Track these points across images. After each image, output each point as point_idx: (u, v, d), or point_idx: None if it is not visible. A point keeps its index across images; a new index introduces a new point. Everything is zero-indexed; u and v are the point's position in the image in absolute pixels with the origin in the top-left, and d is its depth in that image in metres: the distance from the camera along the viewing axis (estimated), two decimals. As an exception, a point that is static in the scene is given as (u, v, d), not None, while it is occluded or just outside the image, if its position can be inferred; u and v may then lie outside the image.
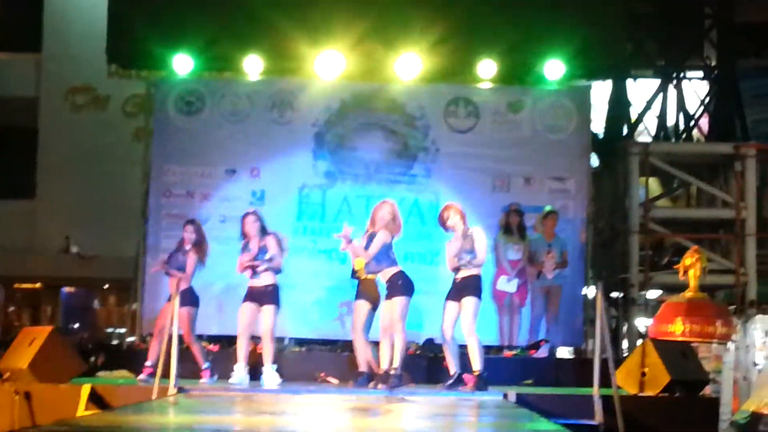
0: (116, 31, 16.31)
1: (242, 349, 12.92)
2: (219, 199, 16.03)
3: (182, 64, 16.06)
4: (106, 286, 19.89)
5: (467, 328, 12.25)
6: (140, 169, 16.45)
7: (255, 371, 13.08)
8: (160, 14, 16.11)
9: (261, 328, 13.00)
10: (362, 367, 12.77)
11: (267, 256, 12.95)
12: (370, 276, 12.73)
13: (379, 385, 12.25)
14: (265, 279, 13.01)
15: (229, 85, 16.51)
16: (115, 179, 18.97)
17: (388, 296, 12.45)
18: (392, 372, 12.27)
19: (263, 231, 13.10)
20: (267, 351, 12.94)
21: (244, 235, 13.18)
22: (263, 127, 16.37)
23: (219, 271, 14.41)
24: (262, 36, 16.05)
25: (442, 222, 12.58)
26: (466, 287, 12.31)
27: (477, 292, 12.33)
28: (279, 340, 13.90)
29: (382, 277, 12.54)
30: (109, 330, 18.11)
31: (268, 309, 12.95)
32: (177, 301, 11.72)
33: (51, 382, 11.65)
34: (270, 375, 12.86)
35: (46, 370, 11.76)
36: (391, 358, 12.32)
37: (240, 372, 12.77)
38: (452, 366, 12.40)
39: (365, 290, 12.88)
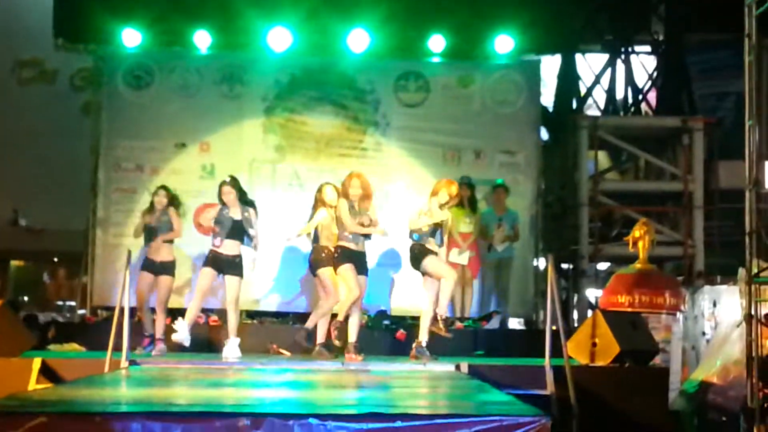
0: (63, 4, 16.21)
1: (194, 310, 12.95)
2: (168, 172, 15.97)
3: (130, 37, 15.96)
4: (56, 259, 19.73)
5: None
6: (89, 143, 16.37)
7: (216, 344, 13.15)
8: (108, -14, 15.96)
9: (226, 298, 13.08)
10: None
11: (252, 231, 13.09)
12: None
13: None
14: (232, 248, 13.02)
15: (179, 59, 16.43)
16: (64, 153, 18.75)
17: (365, 273, 12.83)
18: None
19: (243, 201, 13.14)
20: (232, 322, 12.99)
21: (222, 204, 13.19)
22: (213, 101, 16.31)
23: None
24: (211, 10, 15.99)
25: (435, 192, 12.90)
26: None
27: None
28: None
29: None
30: (59, 303, 17.98)
31: (233, 279, 13.01)
32: (128, 272, 11.65)
33: (1, 356, 11.55)
34: (233, 347, 12.88)
35: (-4, 344, 11.69)
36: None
37: (182, 328, 12.74)
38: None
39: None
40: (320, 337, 13.05)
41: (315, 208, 13.25)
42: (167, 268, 13.62)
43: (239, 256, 13.10)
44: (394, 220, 14.98)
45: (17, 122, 19.92)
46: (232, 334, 12.98)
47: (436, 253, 12.67)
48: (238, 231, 13.10)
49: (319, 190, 13.31)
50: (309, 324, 13.00)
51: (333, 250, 12.85)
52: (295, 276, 15.22)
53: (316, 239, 13.12)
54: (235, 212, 13.06)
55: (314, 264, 13.12)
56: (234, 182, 13.22)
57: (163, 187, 13.94)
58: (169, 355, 12.98)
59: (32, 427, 6.56)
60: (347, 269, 12.67)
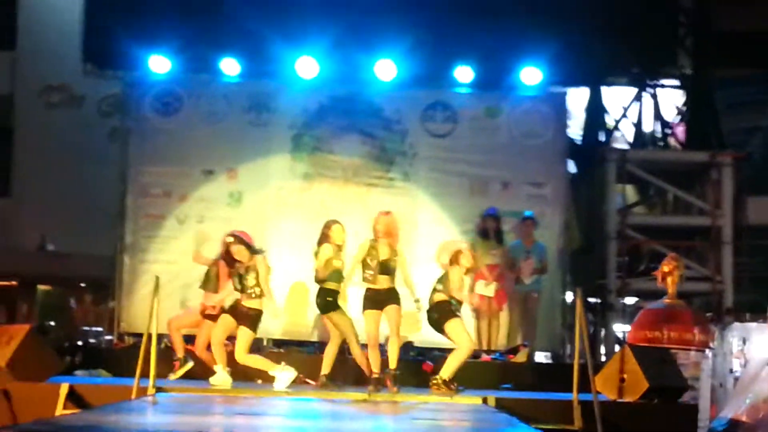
0: (92, 30, 16.37)
1: (220, 355, 12.77)
2: (196, 199, 16.00)
3: (159, 64, 16.09)
4: (83, 284, 19.72)
5: None
6: (117, 169, 16.38)
7: (240, 373, 13.11)
8: (137, 14, 16.06)
9: (236, 349, 12.68)
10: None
11: (252, 282, 12.65)
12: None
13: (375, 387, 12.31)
14: (254, 303, 12.64)
15: (206, 86, 16.50)
16: (92, 178, 18.79)
17: (392, 303, 12.59)
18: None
19: (252, 251, 12.80)
20: (259, 365, 12.73)
21: (231, 261, 12.79)
22: (240, 128, 16.34)
23: (197, 272, 14.21)
24: (240, 38, 16.12)
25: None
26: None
27: None
28: (257, 341, 13.71)
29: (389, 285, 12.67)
30: (86, 329, 17.93)
31: (244, 331, 12.55)
32: (156, 299, 11.59)
33: (29, 380, 11.52)
34: (283, 377, 12.70)
35: (24, 369, 11.60)
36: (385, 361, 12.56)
37: (221, 373, 12.66)
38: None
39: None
40: (326, 368, 13.02)
41: (320, 243, 13.17)
42: None
43: (259, 312, 12.66)
44: (421, 249, 14.98)
45: (45, 147, 20.02)
46: (272, 368, 12.69)
47: (458, 316, 12.63)
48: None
49: (327, 226, 13.18)
50: (325, 371, 13.00)
51: (336, 293, 12.90)
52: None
53: (320, 278, 13.11)
54: (243, 268, 12.81)
55: (320, 308, 13.12)
56: (239, 239, 12.77)
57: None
58: (195, 383, 12.91)
59: (61, 452, 6.57)
60: (368, 315, 12.62)
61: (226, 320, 12.73)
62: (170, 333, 13.45)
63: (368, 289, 12.61)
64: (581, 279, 16.20)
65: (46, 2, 20.86)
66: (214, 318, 13.14)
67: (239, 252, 12.67)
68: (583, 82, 18.69)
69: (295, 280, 15.32)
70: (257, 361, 12.80)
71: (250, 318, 12.60)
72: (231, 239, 12.77)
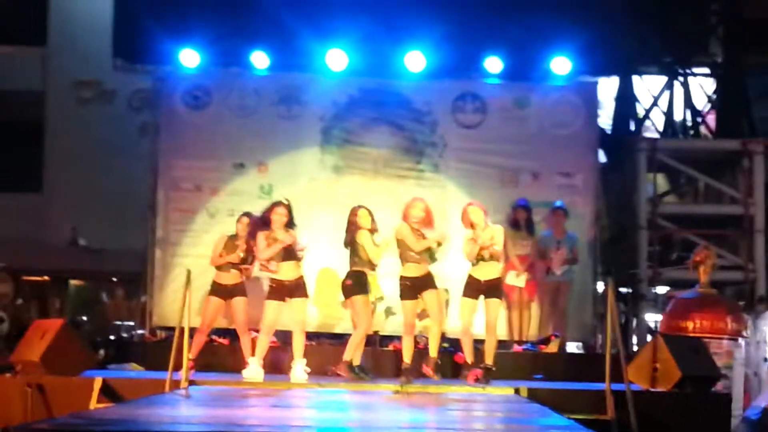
0: (122, 25, 16.46)
1: (263, 346, 12.87)
2: (227, 193, 16.03)
3: (189, 58, 16.10)
4: (114, 279, 19.83)
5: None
6: (147, 163, 16.41)
7: (274, 365, 13.17)
8: (166, 8, 16.08)
9: (292, 321, 13.01)
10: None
11: (300, 247, 12.99)
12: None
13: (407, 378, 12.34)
14: (290, 271, 12.92)
15: (236, 80, 16.48)
16: (123, 173, 18.88)
17: (430, 287, 12.70)
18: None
19: (289, 225, 13.06)
20: (299, 344, 12.95)
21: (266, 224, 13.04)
22: (270, 121, 16.33)
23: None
24: (269, 31, 16.10)
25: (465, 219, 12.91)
26: (496, 288, 12.84)
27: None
28: (287, 334, 13.75)
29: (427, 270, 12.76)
30: (118, 323, 18.03)
31: (299, 302, 12.95)
32: (188, 292, 11.64)
33: (62, 375, 11.62)
34: (300, 369, 12.84)
35: (58, 363, 11.73)
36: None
37: (254, 366, 12.71)
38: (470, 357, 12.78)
39: None
40: (348, 355, 13.01)
41: (352, 232, 13.18)
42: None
43: (302, 278, 13.02)
44: (451, 241, 14.96)
45: (76, 142, 20.12)
46: (299, 356, 12.92)
47: (466, 296, 12.84)
48: (290, 252, 12.99)
49: (353, 213, 13.27)
50: (346, 356, 12.98)
51: (364, 276, 13.01)
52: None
53: (351, 263, 13.16)
54: (283, 235, 12.95)
55: (347, 290, 13.16)
56: (289, 207, 13.13)
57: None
58: (228, 375, 12.97)
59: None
60: (406, 304, 12.70)
61: (272, 306, 12.87)
62: (198, 334, 13.46)
63: (404, 278, 12.61)
64: (612, 269, 16.13)
65: (77, -3, 20.99)
66: (238, 292, 13.24)
67: (282, 219, 12.96)
68: (613, 72, 18.62)
69: (326, 273, 15.32)
70: (300, 342, 13.00)
71: (303, 286, 13.03)
72: (286, 203, 13.11)
